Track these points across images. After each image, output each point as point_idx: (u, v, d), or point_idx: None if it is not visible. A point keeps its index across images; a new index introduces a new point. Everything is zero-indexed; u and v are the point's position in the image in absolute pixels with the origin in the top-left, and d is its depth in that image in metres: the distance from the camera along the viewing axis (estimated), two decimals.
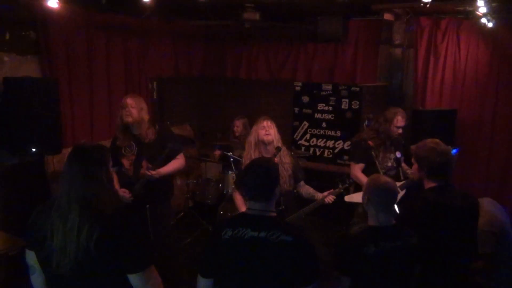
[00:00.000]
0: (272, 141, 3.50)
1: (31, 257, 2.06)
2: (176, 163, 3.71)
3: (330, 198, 3.55)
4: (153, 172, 3.49)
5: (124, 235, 1.94)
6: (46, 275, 2.05)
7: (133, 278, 1.95)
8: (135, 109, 3.54)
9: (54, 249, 1.92)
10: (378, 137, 4.09)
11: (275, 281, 2.03)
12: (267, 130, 3.50)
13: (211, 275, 2.13)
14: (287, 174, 3.56)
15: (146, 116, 3.61)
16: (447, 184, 2.59)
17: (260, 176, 2.13)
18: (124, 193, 3.52)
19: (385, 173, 3.80)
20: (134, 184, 3.58)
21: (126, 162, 3.64)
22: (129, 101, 3.56)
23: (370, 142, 3.97)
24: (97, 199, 1.94)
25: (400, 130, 4.09)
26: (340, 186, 3.61)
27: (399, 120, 4.04)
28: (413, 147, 3.39)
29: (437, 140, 2.67)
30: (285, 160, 3.57)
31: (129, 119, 3.54)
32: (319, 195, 3.58)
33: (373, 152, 3.93)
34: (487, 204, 3.78)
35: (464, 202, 2.59)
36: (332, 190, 3.59)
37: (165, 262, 3.64)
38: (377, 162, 3.90)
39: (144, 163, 3.59)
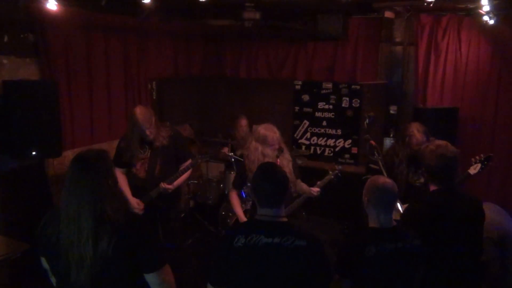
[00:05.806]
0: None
1: (45, 262, 2.09)
2: (188, 171, 3.86)
3: (314, 191, 3.54)
4: (169, 186, 3.69)
5: (140, 238, 1.98)
6: (63, 285, 2.04)
7: (150, 278, 2.02)
8: (152, 127, 3.62)
9: (71, 261, 1.91)
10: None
11: (290, 287, 2.01)
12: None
13: (222, 284, 2.09)
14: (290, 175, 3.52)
15: (156, 122, 3.70)
16: (450, 187, 2.57)
17: (275, 184, 2.12)
18: (137, 204, 3.68)
19: None
20: (144, 187, 3.72)
21: (138, 163, 3.75)
22: (143, 121, 3.57)
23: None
24: (110, 208, 1.93)
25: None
26: (330, 172, 3.66)
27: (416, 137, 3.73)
28: (417, 149, 3.36)
29: (440, 143, 2.61)
30: (284, 162, 3.52)
31: (151, 137, 3.67)
32: (311, 190, 3.56)
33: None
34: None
35: (468, 206, 2.57)
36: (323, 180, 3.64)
37: (174, 263, 3.73)
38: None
39: (157, 166, 3.74)
